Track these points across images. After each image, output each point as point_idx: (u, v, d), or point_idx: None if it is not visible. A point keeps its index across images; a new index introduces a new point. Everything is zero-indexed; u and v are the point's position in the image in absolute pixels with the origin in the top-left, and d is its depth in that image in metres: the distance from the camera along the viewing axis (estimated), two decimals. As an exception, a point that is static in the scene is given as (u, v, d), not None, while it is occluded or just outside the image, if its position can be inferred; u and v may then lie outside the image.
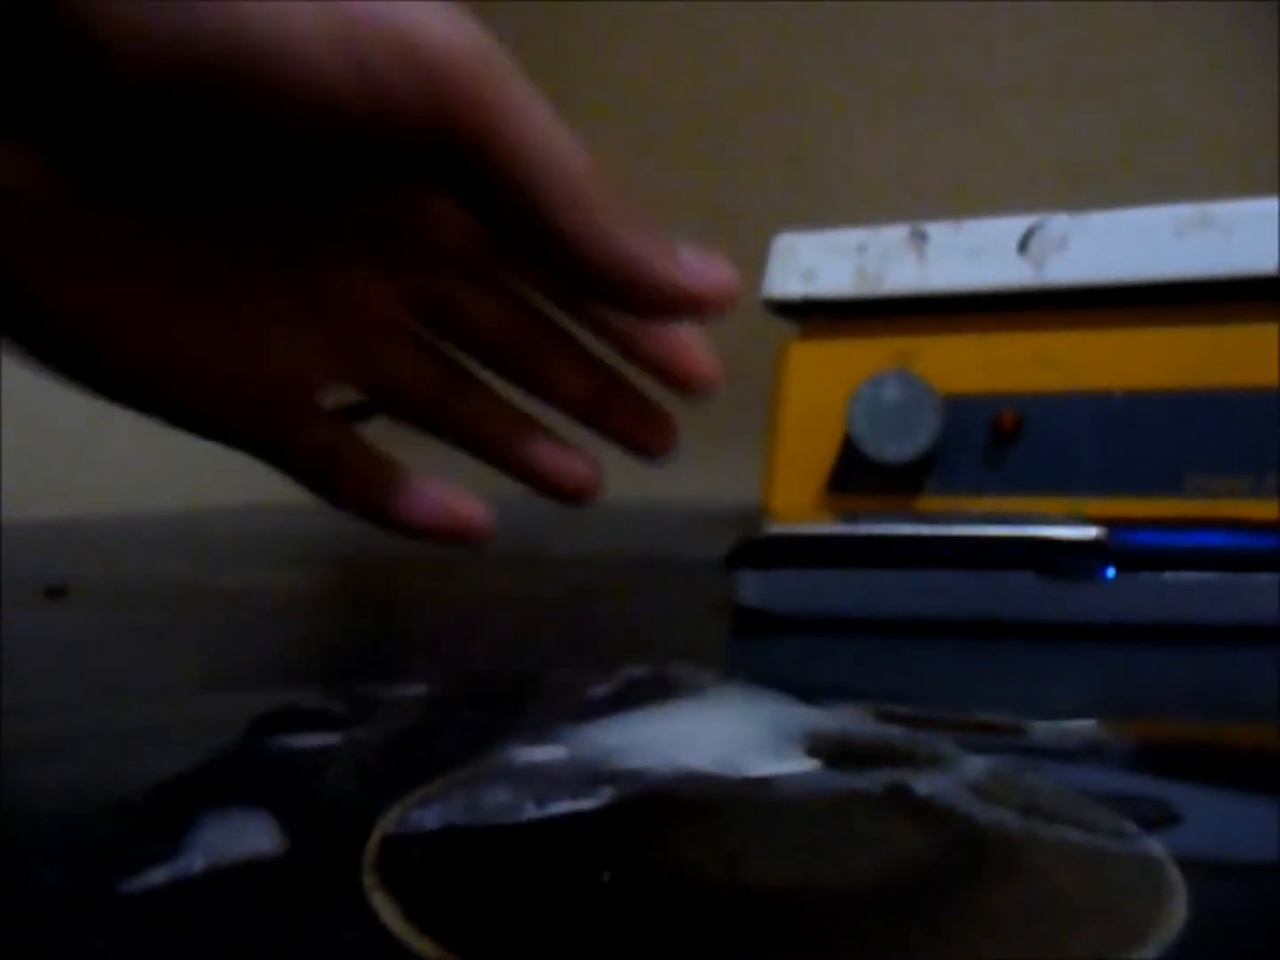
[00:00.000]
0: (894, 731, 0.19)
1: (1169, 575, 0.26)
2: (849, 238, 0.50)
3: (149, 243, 0.20)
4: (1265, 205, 0.44)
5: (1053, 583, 0.26)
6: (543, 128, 0.19)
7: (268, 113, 0.18)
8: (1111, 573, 0.26)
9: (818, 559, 0.28)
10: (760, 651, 0.27)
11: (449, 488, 0.24)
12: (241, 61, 0.17)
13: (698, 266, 0.20)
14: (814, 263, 0.50)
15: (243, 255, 0.21)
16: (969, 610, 0.27)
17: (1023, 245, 0.47)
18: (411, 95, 0.18)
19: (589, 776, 0.16)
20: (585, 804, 0.15)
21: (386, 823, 0.15)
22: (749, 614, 0.28)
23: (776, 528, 0.29)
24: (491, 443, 0.25)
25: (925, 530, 0.28)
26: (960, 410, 0.46)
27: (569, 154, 0.19)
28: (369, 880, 0.13)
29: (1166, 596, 0.26)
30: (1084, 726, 0.20)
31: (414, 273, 0.24)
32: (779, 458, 0.49)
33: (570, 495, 0.25)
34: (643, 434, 0.25)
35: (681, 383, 0.24)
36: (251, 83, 0.17)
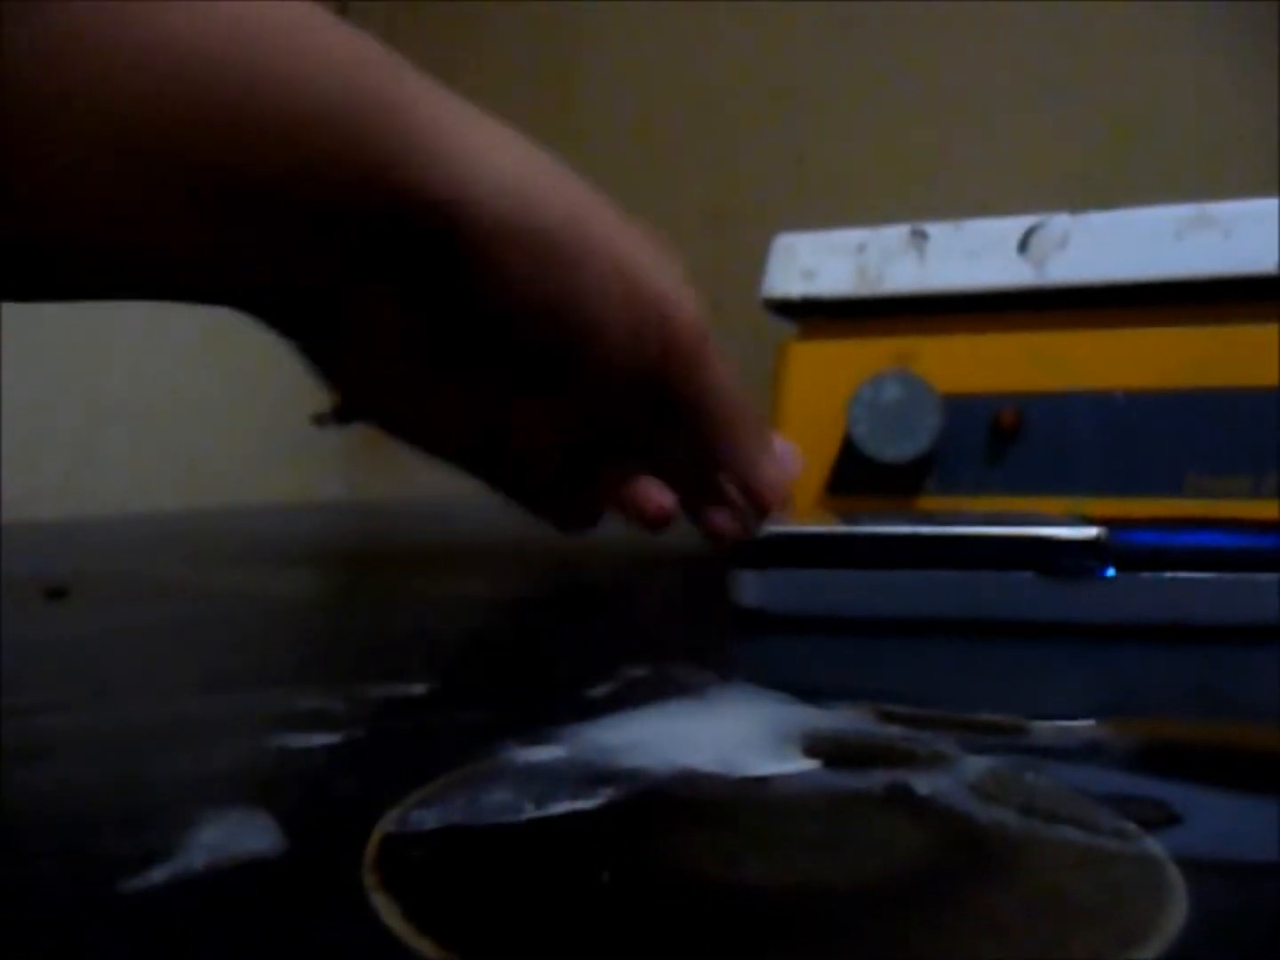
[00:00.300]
0: (894, 731, 0.19)
1: (1169, 575, 0.26)
2: (849, 238, 0.50)
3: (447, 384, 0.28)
4: (1265, 205, 0.44)
5: (1053, 583, 0.26)
6: (723, 377, 0.27)
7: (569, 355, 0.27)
8: (1111, 573, 0.26)
9: (817, 559, 0.28)
10: (760, 651, 0.27)
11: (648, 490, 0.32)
12: (574, 329, 0.26)
13: (778, 485, 0.28)
14: (814, 263, 0.50)
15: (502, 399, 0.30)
16: (969, 610, 0.27)
17: (1023, 245, 0.47)
18: (655, 347, 0.26)
19: (589, 776, 0.16)
20: (585, 804, 0.15)
21: (386, 823, 0.15)
22: (748, 614, 0.28)
23: (776, 527, 0.29)
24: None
25: (925, 530, 0.28)
26: (960, 410, 0.46)
27: (736, 397, 0.27)
28: (369, 880, 0.13)
29: (1166, 596, 0.26)
30: (1084, 726, 0.20)
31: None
32: (779, 458, 0.48)
33: (652, 523, 0.32)
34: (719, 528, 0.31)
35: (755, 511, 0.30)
36: (573, 340, 0.26)
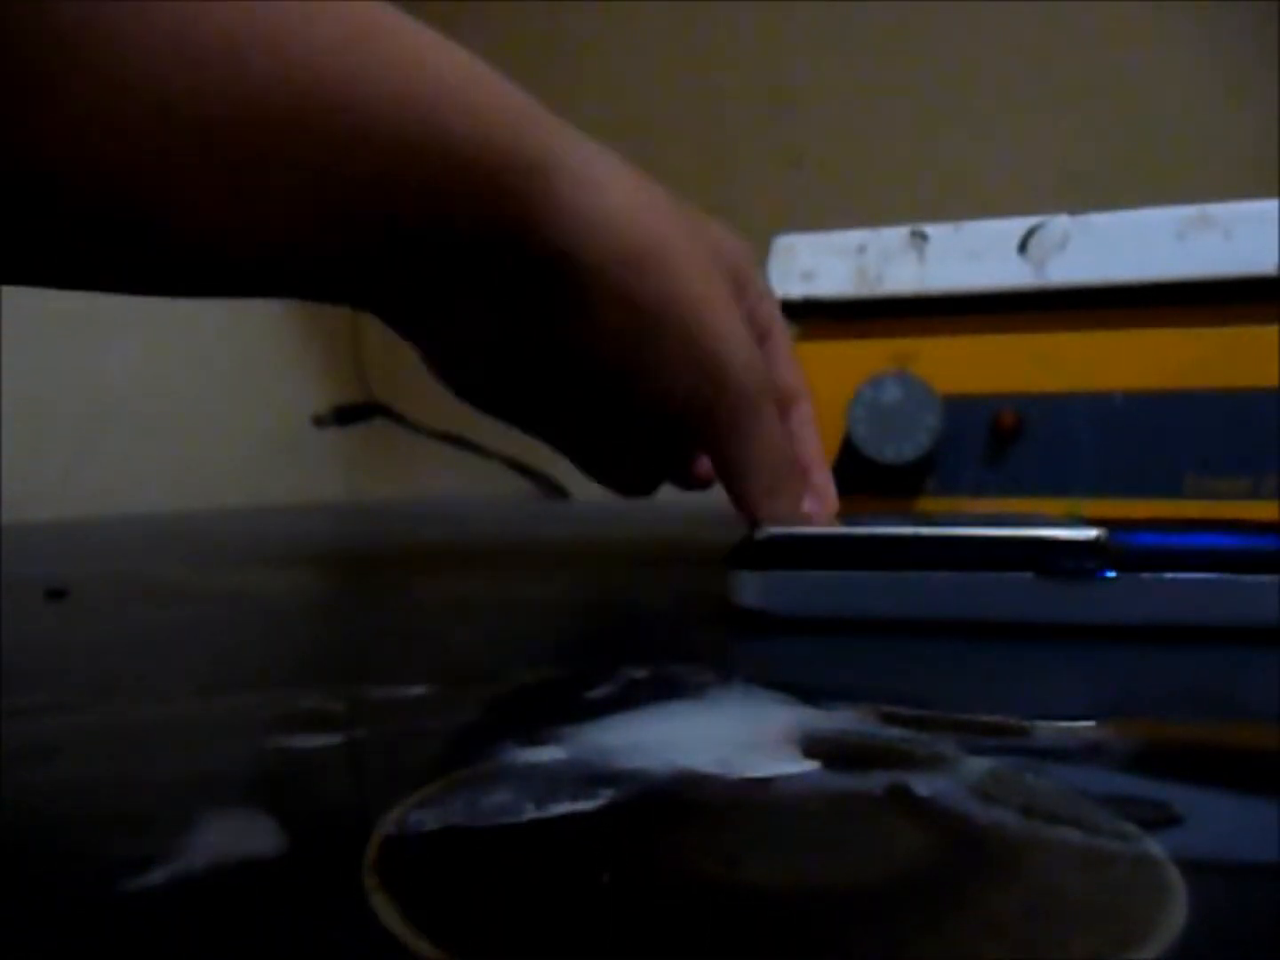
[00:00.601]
0: (894, 732, 0.19)
1: (1169, 576, 0.26)
2: (849, 238, 0.50)
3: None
4: (1265, 206, 0.44)
5: (1052, 583, 0.26)
6: (765, 438, 0.31)
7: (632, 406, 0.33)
8: (1111, 574, 0.26)
9: (817, 560, 0.28)
10: (760, 652, 0.27)
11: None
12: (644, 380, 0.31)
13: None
14: (814, 263, 0.50)
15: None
16: (968, 611, 0.27)
17: (1023, 246, 0.47)
18: (705, 403, 0.31)
19: (589, 777, 0.16)
20: (585, 805, 0.15)
21: (386, 824, 0.15)
22: (748, 614, 0.28)
23: (776, 528, 0.29)
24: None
25: (924, 531, 0.28)
26: (960, 411, 0.46)
27: (771, 458, 0.32)
28: (369, 881, 0.13)
29: (1166, 597, 0.26)
30: (1084, 727, 0.20)
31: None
32: (779, 458, 0.48)
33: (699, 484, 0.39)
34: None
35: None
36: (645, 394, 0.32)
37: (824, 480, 0.35)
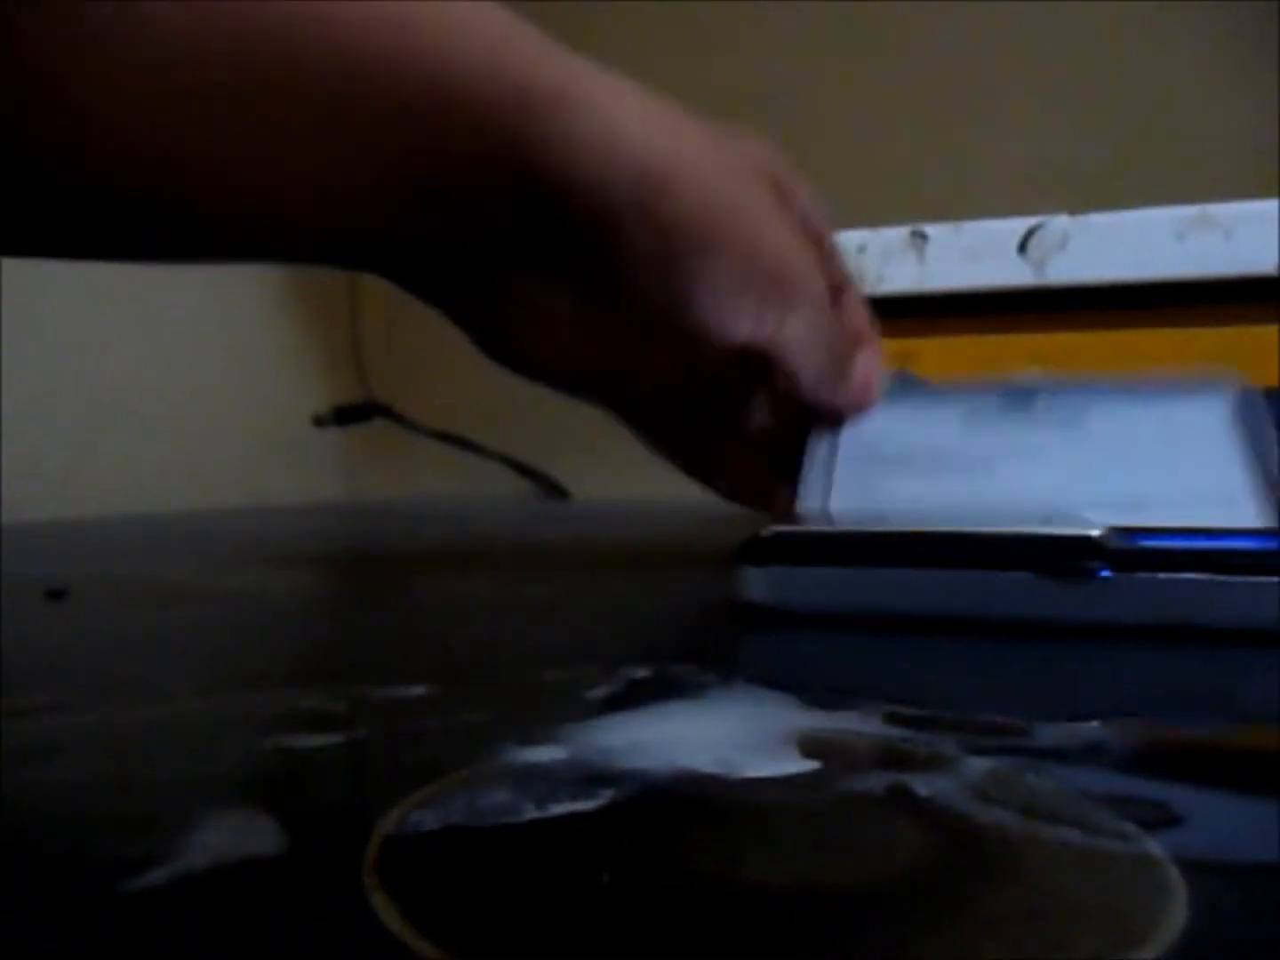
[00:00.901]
0: (894, 732, 0.19)
1: (1167, 577, 0.26)
2: (849, 238, 0.50)
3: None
4: (1265, 206, 0.44)
5: (1052, 583, 0.26)
6: (834, 329, 0.33)
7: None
8: (1109, 574, 0.26)
9: (823, 556, 0.28)
10: (761, 652, 0.27)
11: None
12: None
13: (862, 394, 0.34)
14: (814, 263, 0.50)
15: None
16: (971, 609, 0.27)
17: (1023, 246, 0.47)
18: (773, 323, 0.31)
19: (589, 777, 0.16)
20: (585, 805, 0.15)
21: (386, 824, 0.15)
22: (752, 609, 0.29)
23: (783, 526, 0.29)
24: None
25: (927, 529, 0.28)
26: (960, 411, 0.46)
27: (841, 342, 0.33)
28: (369, 881, 0.13)
29: (1165, 598, 0.26)
30: (1085, 728, 0.20)
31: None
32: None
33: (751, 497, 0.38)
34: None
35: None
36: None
37: (877, 352, 0.36)
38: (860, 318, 0.36)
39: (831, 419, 0.34)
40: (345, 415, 1.04)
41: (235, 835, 0.14)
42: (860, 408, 0.34)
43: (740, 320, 0.30)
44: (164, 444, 0.90)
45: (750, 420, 0.37)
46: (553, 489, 1.03)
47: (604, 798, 0.15)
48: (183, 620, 0.33)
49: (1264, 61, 0.84)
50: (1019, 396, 0.34)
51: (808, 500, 0.33)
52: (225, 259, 0.28)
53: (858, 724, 0.19)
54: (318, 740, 0.19)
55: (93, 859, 0.14)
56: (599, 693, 0.21)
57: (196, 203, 0.23)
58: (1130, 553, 0.26)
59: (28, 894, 0.13)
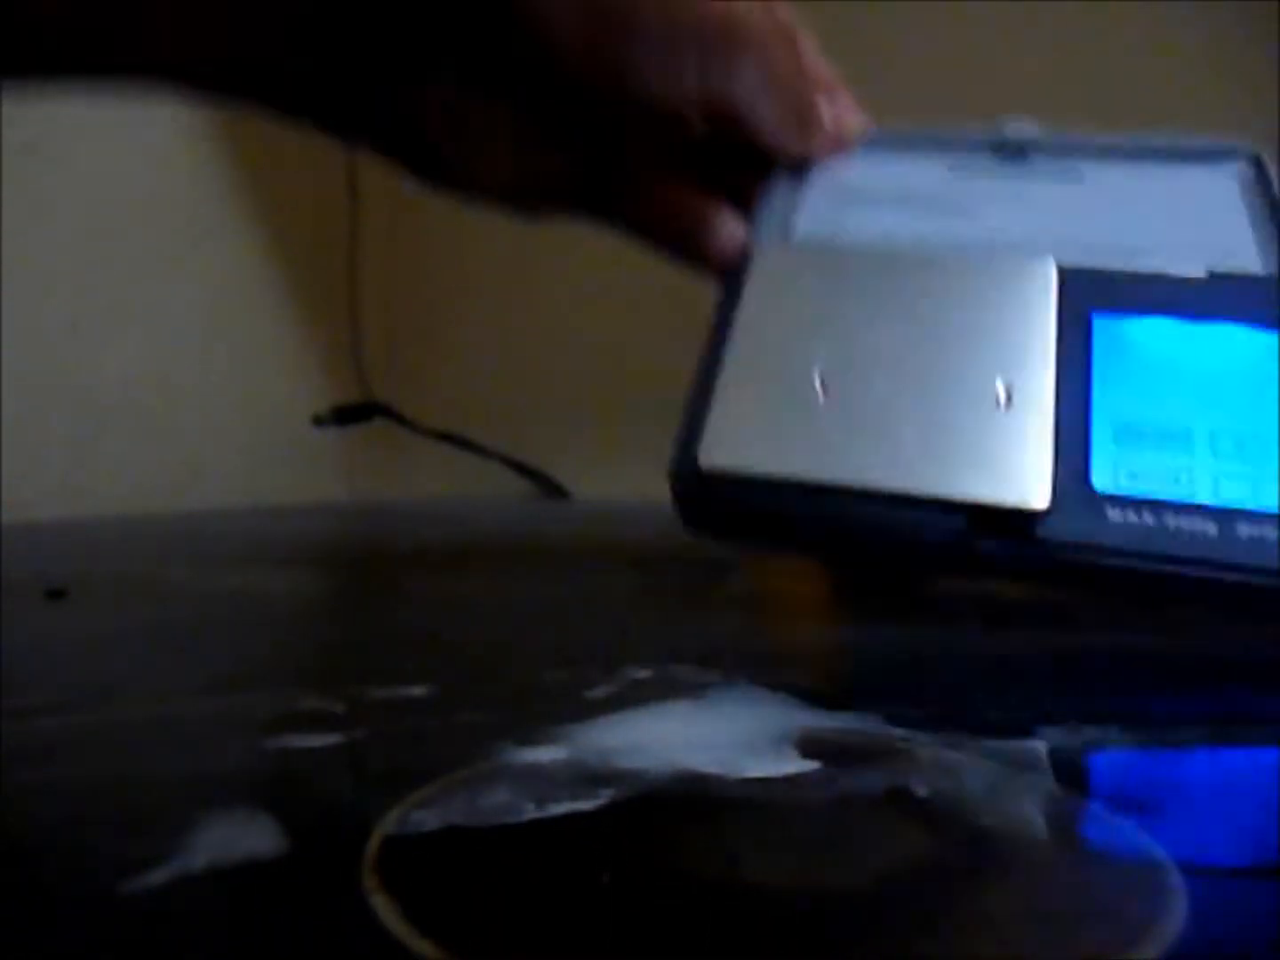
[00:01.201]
0: (894, 732, 0.19)
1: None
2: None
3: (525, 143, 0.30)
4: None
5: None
6: (791, 63, 0.32)
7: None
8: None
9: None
10: (761, 652, 0.27)
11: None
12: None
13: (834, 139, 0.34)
14: (814, 263, 0.50)
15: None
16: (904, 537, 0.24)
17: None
18: (717, 81, 0.29)
19: (589, 777, 0.16)
20: (585, 805, 0.15)
21: (386, 824, 0.15)
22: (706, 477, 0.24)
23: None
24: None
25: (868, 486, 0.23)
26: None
27: (802, 78, 0.32)
28: (369, 881, 0.13)
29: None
30: (1085, 728, 0.20)
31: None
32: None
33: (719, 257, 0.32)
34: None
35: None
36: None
37: (847, 98, 0.35)
38: (820, 65, 0.34)
39: (800, 166, 0.32)
40: (345, 415, 1.04)
41: (235, 835, 0.14)
42: (832, 153, 0.33)
43: (685, 79, 0.28)
44: (164, 444, 0.90)
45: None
46: (553, 489, 1.03)
47: (604, 798, 0.15)
48: (183, 620, 0.33)
49: (1264, 61, 0.84)
50: (1013, 148, 0.33)
51: (762, 236, 0.30)
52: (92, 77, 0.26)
53: (857, 724, 0.19)
54: (317, 740, 0.19)
55: (93, 859, 0.14)
56: (599, 693, 0.21)
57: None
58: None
59: (28, 894, 0.13)
